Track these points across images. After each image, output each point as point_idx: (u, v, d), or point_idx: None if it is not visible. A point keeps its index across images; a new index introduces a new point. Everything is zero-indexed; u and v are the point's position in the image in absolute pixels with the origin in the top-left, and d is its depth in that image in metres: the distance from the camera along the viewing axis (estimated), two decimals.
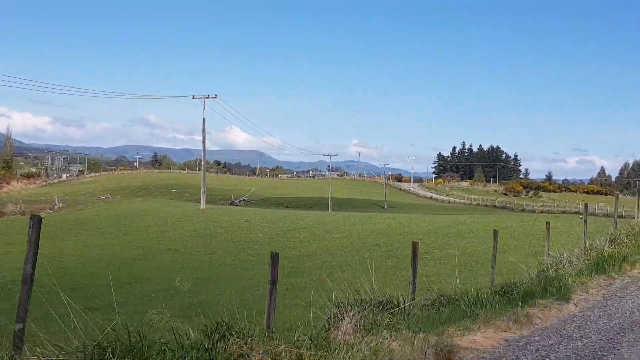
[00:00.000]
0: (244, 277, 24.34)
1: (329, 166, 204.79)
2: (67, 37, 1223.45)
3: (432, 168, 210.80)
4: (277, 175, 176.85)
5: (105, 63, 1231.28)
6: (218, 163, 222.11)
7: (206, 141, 57.03)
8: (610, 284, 12.23)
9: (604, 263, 13.84)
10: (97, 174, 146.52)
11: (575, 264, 13.68)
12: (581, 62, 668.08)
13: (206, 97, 55.31)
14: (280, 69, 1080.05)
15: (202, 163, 61.46)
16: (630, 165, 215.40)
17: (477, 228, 33.48)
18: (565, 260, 13.91)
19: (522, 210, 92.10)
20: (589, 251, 15.29)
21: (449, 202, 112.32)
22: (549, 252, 14.70)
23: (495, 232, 12.42)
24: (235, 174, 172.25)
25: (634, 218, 25.58)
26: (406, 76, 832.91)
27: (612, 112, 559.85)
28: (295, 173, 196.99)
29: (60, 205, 69.33)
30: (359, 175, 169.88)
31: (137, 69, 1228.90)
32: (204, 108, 55.25)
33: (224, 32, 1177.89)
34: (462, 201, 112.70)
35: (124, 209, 57.05)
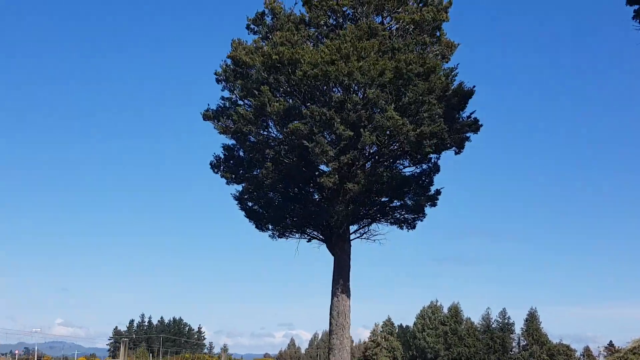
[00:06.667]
0: None
1: (25, 348, 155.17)
2: None
3: (107, 345, 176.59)
4: None
5: None
6: None
7: None
8: None
9: None
10: None
11: None
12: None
13: None
14: None
15: None
16: (320, 336, 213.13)
17: None
18: None
19: None
20: None
21: None
22: None
23: None
24: None
25: None
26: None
27: (313, 288, 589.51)
28: None
29: None
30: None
31: None
32: None
33: None
34: None
35: None
